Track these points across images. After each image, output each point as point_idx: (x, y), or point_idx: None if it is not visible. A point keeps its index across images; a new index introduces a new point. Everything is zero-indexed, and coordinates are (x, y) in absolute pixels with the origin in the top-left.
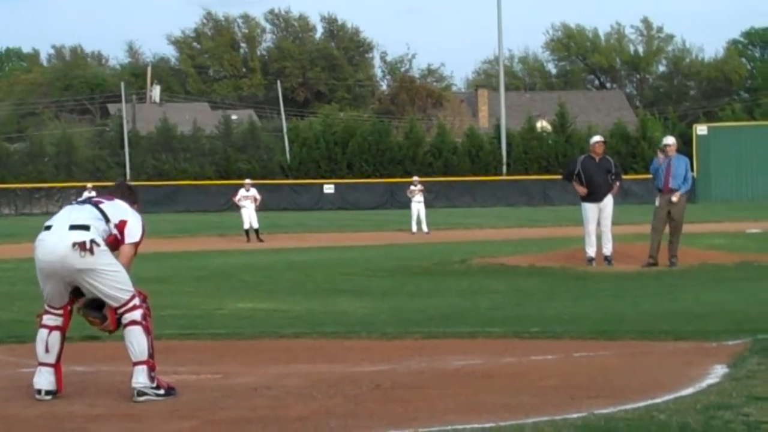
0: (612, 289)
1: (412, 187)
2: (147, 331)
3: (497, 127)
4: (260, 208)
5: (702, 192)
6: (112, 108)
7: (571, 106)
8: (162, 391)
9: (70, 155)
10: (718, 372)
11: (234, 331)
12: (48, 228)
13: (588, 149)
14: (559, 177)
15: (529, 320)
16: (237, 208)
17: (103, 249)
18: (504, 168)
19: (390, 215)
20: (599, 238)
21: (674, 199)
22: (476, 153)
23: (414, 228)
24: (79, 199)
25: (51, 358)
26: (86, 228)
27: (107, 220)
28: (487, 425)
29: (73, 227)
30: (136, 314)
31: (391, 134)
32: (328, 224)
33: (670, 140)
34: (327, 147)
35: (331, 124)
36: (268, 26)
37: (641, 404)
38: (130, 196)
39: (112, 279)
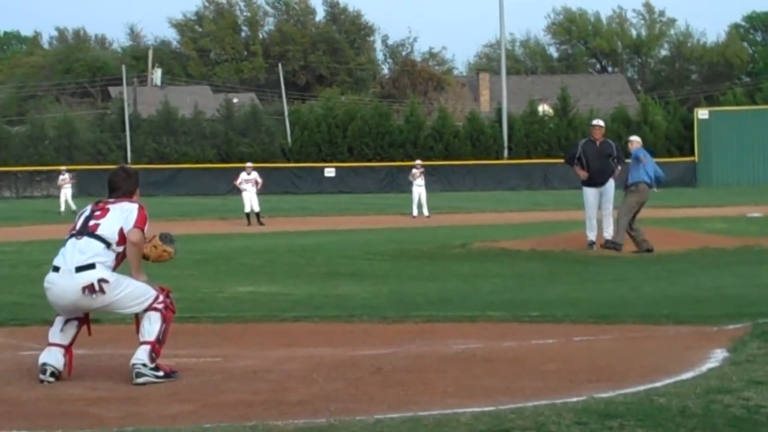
0: (612, 273)
1: (414, 171)
2: (164, 319)
3: (498, 111)
4: (261, 192)
5: (703, 176)
6: (113, 91)
7: (572, 90)
8: (161, 373)
9: (71, 138)
10: (718, 356)
11: (235, 315)
12: (56, 269)
13: (588, 133)
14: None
15: (529, 304)
16: (238, 191)
17: (113, 282)
18: (505, 152)
19: (391, 199)
20: (600, 223)
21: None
22: (477, 137)
23: (415, 212)
24: (78, 221)
25: (64, 340)
26: (92, 267)
27: (108, 244)
28: (487, 409)
29: (79, 269)
30: (160, 305)
31: (392, 118)
32: (329, 208)
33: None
34: (328, 130)
35: (332, 108)
36: (269, 9)
37: (641, 388)
38: (129, 183)
39: (129, 299)
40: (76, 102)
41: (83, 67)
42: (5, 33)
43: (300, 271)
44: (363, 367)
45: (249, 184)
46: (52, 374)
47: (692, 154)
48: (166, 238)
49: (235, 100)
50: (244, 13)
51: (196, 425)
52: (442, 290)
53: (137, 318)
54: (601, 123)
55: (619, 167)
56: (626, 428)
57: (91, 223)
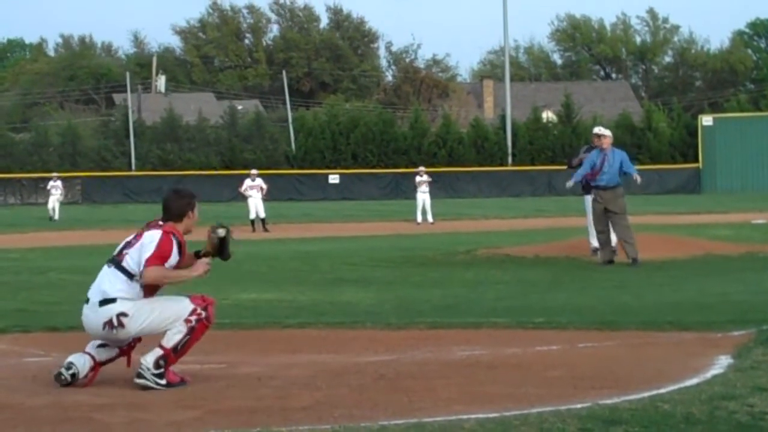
0: (617, 279)
1: (419, 178)
2: (190, 331)
3: (502, 118)
4: (266, 198)
5: (707, 183)
6: (117, 98)
7: (576, 97)
8: (164, 382)
9: (75, 145)
10: (722, 363)
11: (238, 321)
12: (87, 301)
13: (592, 141)
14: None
15: (533, 311)
16: (244, 198)
17: (133, 314)
18: (509, 158)
19: (395, 205)
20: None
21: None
22: (481, 143)
23: (419, 218)
24: (120, 246)
25: (99, 355)
26: (113, 301)
27: (131, 276)
28: (492, 415)
29: (102, 303)
30: (193, 318)
31: (396, 124)
32: (333, 214)
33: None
34: (332, 137)
35: (336, 115)
36: (273, 16)
37: (645, 394)
38: (179, 205)
39: (159, 322)
40: (80, 109)
41: (87, 74)
42: (9, 40)
43: (304, 278)
44: (367, 374)
45: (254, 190)
46: (73, 375)
47: (696, 160)
48: (213, 231)
49: (239, 107)
50: (248, 20)
51: (201, 431)
52: (446, 297)
53: None
54: (605, 131)
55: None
56: None
57: (124, 251)
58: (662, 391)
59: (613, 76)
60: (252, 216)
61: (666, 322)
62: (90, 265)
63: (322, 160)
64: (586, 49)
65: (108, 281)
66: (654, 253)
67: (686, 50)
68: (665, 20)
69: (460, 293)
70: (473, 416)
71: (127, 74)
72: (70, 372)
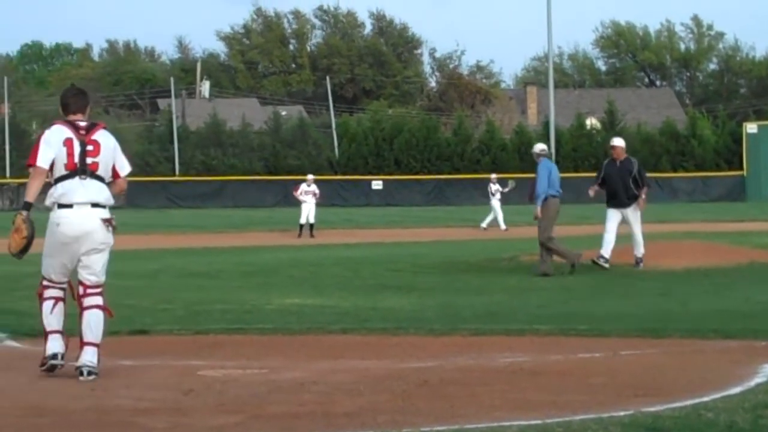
0: (660, 287)
1: (493, 186)
2: (107, 316)
3: (546, 125)
4: (320, 203)
5: (752, 190)
6: (161, 103)
7: (620, 104)
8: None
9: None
10: (766, 371)
11: (281, 327)
12: (70, 206)
13: (609, 153)
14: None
15: (576, 318)
16: (298, 202)
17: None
18: None
19: (438, 212)
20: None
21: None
22: (525, 150)
23: (484, 224)
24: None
25: (60, 326)
26: (104, 207)
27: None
28: (534, 422)
29: (94, 205)
30: (101, 300)
31: (439, 131)
32: (376, 220)
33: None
34: (375, 143)
35: (380, 121)
36: (317, 22)
37: (689, 402)
38: (87, 100)
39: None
40: (124, 114)
41: (132, 79)
42: (57, 45)
43: (347, 284)
44: (410, 380)
45: (309, 195)
46: (63, 356)
47: (741, 168)
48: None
49: (283, 113)
50: (292, 26)
51: None
52: (489, 303)
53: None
54: (618, 142)
55: (645, 189)
56: None
57: (91, 163)
58: (705, 399)
59: (658, 83)
60: (302, 221)
61: (710, 330)
62: (134, 269)
63: (365, 166)
64: (631, 56)
65: (100, 190)
66: (698, 261)
67: (731, 57)
68: (710, 27)
69: (502, 300)
70: (515, 423)
71: (172, 79)
72: (60, 357)
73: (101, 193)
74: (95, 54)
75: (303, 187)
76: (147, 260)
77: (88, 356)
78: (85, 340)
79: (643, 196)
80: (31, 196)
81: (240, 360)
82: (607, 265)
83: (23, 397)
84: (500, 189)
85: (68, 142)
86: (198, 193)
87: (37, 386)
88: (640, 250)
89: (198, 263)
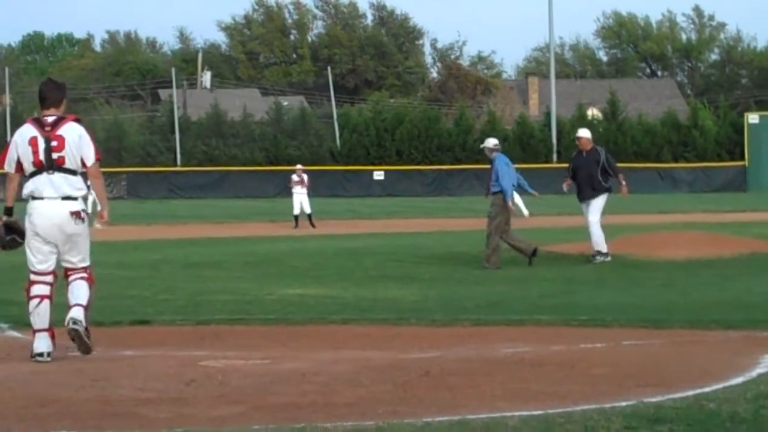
0: (662, 277)
1: None
2: (90, 285)
3: (548, 115)
4: (311, 193)
5: (753, 181)
6: (163, 94)
7: (621, 94)
8: (87, 332)
9: (120, 141)
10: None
11: (283, 317)
12: (41, 199)
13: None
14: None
15: (578, 308)
16: (290, 193)
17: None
18: (554, 156)
19: (439, 202)
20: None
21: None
22: (527, 141)
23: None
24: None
25: (46, 324)
26: (74, 199)
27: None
28: (536, 413)
29: (65, 198)
30: (84, 274)
31: (440, 121)
32: (378, 211)
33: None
34: (377, 134)
35: (381, 111)
36: (318, 13)
37: (690, 393)
38: (63, 93)
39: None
40: (126, 104)
41: (133, 70)
42: (59, 35)
43: (348, 274)
44: (411, 371)
45: (298, 185)
46: (49, 354)
47: (742, 158)
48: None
49: (284, 103)
50: (293, 17)
51: (245, 427)
52: (490, 294)
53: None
54: (583, 133)
55: (621, 175)
56: None
57: (57, 158)
58: (707, 389)
59: (659, 73)
60: (296, 212)
61: (711, 320)
62: (135, 260)
63: (366, 157)
64: (632, 46)
65: (69, 183)
66: (700, 252)
67: (732, 48)
68: (711, 18)
69: (504, 290)
70: (517, 414)
71: (173, 70)
72: (46, 355)
73: (70, 185)
74: (96, 44)
75: (293, 177)
76: (148, 251)
77: (74, 312)
78: (72, 303)
79: (623, 182)
80: (9, 200)
81: (241, 350)
82: (608, 258)
83: (25, 388)
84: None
85: (33, 141)
86: (199, 184)
87: (39, 377)
88: (593, 246)
89: (199, 254)
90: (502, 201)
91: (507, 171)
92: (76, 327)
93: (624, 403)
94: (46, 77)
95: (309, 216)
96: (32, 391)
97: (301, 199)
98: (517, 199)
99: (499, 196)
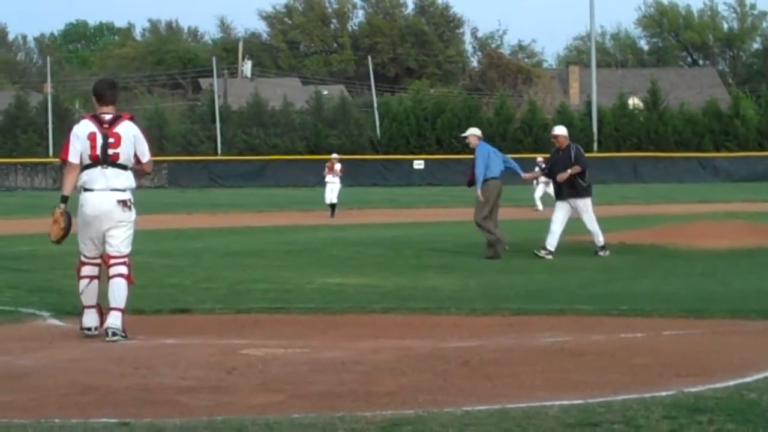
0: (702, 267)
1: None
2: (129, 284)
3: (588, 104)
4: (348, 183)
5: None
6: (203, 83)
7: (662, 83)
8: (126, 335)
9: (161, 130)
10: None
11: (323, 306)
12: (92, 190)
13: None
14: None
15: (618, 298)
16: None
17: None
18: (595, 145)
19: None
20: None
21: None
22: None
23: (540, 205)
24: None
25: (94, 301)
26: (123, 190)
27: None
28: (576, 402)
29: (113, 190)
30: (124, 269)
31: (481, 110)
32: (418, 200)
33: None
34: (417, 123)
35: (421, 100)
36: (358, 2)
37: (731, 383)
38: (117, 91)
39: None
40: (167, 93)
41: (174, 59)
42: (100, 23)
43: (388, 263)
44: (451, 360)
45: (331, 175)
46: (96, 329)
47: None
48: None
49: (324, 92)
50: (333, 6)
51: (285, 415)
52: (530, 283)
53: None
54: (559, 131)
55: (577, 167)
56: (716, 423)
57: (112, 154)
58: (748, 379)
59: (701, 62)
60: (328, 201)
61: (752, 310)
62: (176, 248)
63: (406, 146)
64: (673, 35)
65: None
66: (741, 241)
67: None
68: (753, 6)
69: (544, 280)
70: (557, 403)
71: (214, 59)
72: (93, 329)
73: (120, 179)
74: (137, 33)
75: (327, 167)
76: (189, 239)
77: (112, 319)
78: (111, 306)
79: (569, 171)
80: (67, 190)
81: (281, 339)
82: (550, 257)
83: (66, 375)
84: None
85: (92, 136)
86: (240, 173)
87: (80, 365)
88: (598, 240)
89: (240, 242)
90: (488, 190)
91: (482, 160)
92: (114, 340)
93: (664, 393)
94: (103, 77)
95: (333, 206)
96: (73, 378)
97: (332, 188)
98: (538, 192)
99: (487, 183)
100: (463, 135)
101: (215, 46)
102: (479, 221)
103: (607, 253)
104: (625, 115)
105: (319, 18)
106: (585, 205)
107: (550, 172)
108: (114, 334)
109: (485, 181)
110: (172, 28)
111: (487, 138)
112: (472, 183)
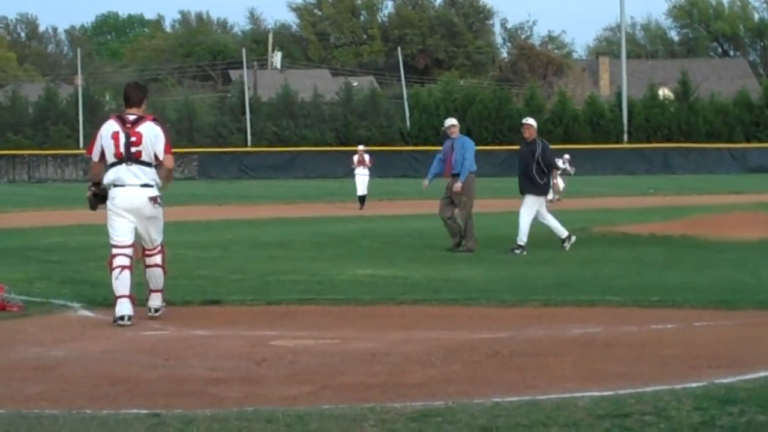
0: (734, 258)
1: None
2: (164, 272)
3: (618, 95)
4: (377, 174)
5: None
6: (233, 74)
7: (693, 74)
8: (165, 304)
9: (191, 121)
10: None
11: (353, 297)
12: (123, 186)
13: None
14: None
15: (649, 289)
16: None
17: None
18: (625, 136)
19: (509, 182)
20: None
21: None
22: (597, 121)
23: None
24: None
25: (127, 291)
26: (151, 186)
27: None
28: (606, 393)
29: (143, 185)
30: (159, 258)
31: (511, 101)
32: None
33: (451, 121)
34: (447, 114)
35: (451, 91)
36: None
37: (762, 374)
38: (144, 94)
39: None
40: (197, 85)
41: (204, 51)
42: (129, 16)
43: (418, 255)
44: (481, 351)
45: (360, 166)
46: (130, 318)
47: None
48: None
49: (354, 84)
50: None
51: (315, 406)
52: (560, 274)
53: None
54: (528, 121)
55: (555, 171)
56: (746, 414)
57: (135, 152)
58: None
59: (731, 53)
60: (359, 192)
61: None
62: (206, 240)
63: (436, 137)
64: (704, 26)
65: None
66: None
67: None
68: None
69: (574, 271)
70: (587, 394)
71: (243, 51)
72: (127, 319)
73: (146, 174)
74: (167, 25)
75: (355, 158)
76: (219, 231)
77: (153, 300)
78: (151, 288)
79: (555, 180)
80: (97, 177)
81: (312, 330)
82: (524, 253)
83: (97, 366)
84: (567, 168)
85: (115, 135)
86: (270, 164)
87: (110, 356)
88: (520, 238)
89: (270, 234)
90: (469, 184)
91: (472, 152)
92: (157, 315)
93: (695, 384)
94: (132, 81)
95: (362, 198)
96: (104, 369)
97: (362, 180)
98: (561, 184)
99: (468, 177)
100: (450, 124)
101: (245, 37)
102: (465, 218)
103: (525, 253)
104: (656, 106)
105: (349, 9)
106: (532, 201)
107: (519, 164)
108: (156, 310)
109: (454, 175)
110: (202, 20)
111: (518, 129)
112: (448, 173)
